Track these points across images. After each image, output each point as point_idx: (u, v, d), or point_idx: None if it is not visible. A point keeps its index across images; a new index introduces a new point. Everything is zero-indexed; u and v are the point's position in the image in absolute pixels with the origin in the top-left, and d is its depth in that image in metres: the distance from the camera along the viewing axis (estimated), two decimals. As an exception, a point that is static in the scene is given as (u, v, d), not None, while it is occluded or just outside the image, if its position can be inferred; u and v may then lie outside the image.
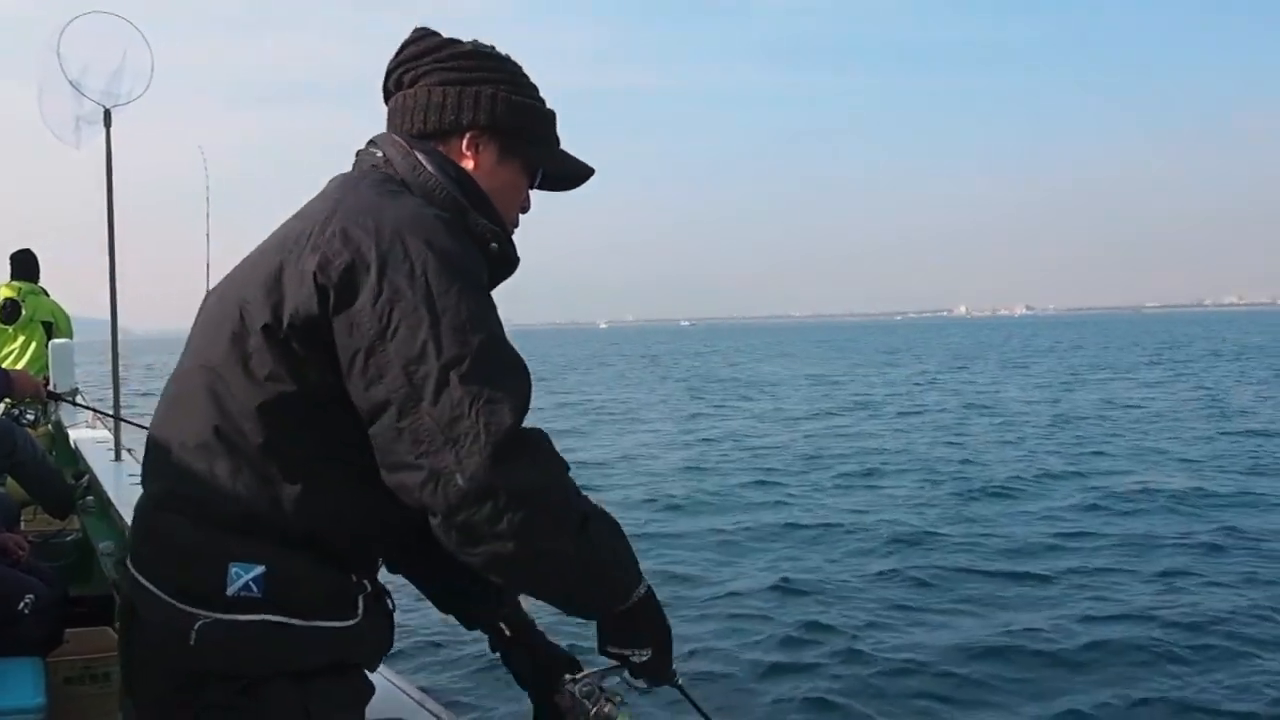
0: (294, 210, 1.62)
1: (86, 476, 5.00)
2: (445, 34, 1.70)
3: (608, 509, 1.51)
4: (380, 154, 1.63)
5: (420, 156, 1.61)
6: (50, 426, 6.64)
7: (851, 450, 17.27)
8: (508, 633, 1.88)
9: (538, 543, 1.39)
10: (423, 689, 2.08)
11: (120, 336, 5.50)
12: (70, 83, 4.56)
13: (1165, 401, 25.03)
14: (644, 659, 1.59)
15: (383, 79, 1.71)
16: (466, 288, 1.43)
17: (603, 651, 1.60)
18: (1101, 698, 5.99)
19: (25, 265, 7.28)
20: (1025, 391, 29.87)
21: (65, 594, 3.34)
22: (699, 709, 1.73)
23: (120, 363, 5.45)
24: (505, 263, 1.64)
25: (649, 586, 1.57)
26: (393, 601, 1.67)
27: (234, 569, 1.46)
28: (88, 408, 6.62)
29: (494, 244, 1.60)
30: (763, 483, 14.13)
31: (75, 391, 6.64)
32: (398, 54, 1.69)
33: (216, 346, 1.51)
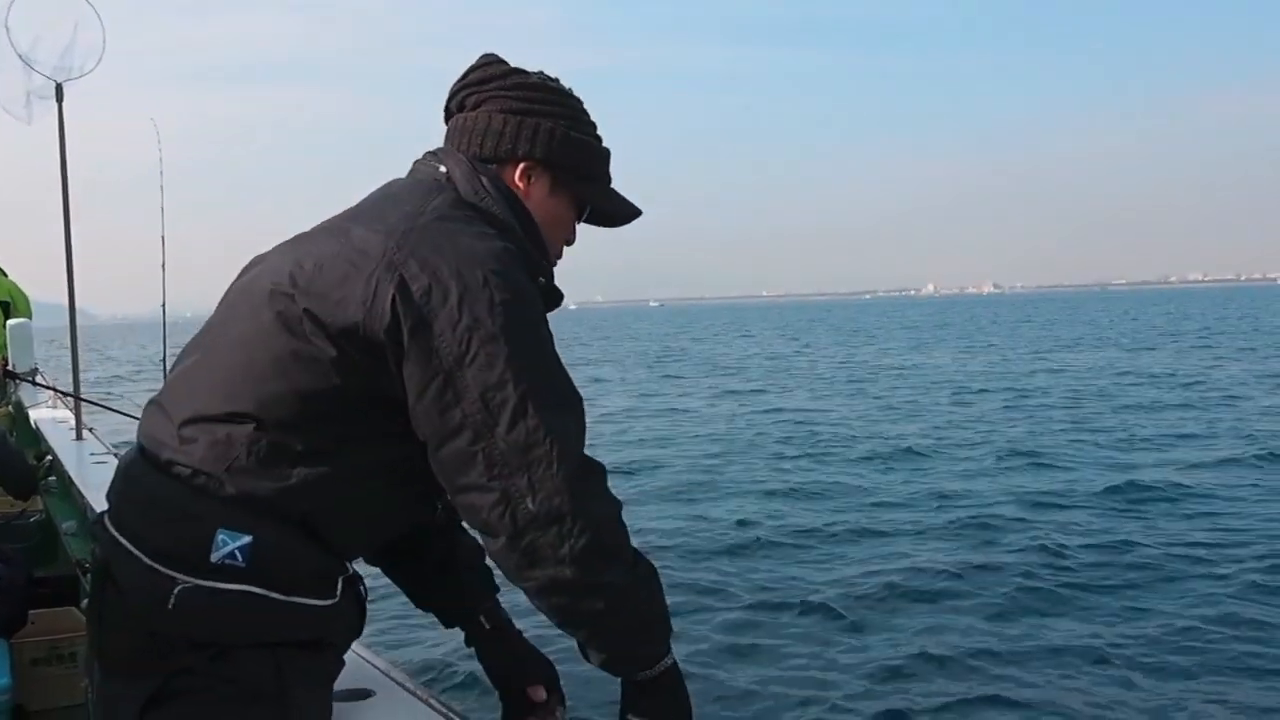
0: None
1: (49, 457, 4.97)
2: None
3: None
4: (444, 169, 1.64)
5: (485, 180, 1.63)
6: (10, 407, 6.58)
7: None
8: (487, 626, 1.91)
9: (596, 571, 1.46)
10: (390, 661, 2.07)
11: (82, 321, 5.43)
12: (20, 57, 4.49)
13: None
14: None
15: (445, 99, 1.73)
16: (539, 323, 1.51)
17: (623, 718, 1.64)
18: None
19: None
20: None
21: (30, 575, 3.32)
22: None
23: (80, 346, 5.40)
24: (550, 297, 1.67)
25: (674, 659, 1.62)
26: (365, 589, 1.68)
27: (221, 535, 1.45)
28: (48, 387, 6.56)
29: (542, 278, 1.63)
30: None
31: (35, 372, 6.56)
32: (463, 76, 1.71)
33: (259, 327, 1.51)
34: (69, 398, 5.26)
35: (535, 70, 1.74)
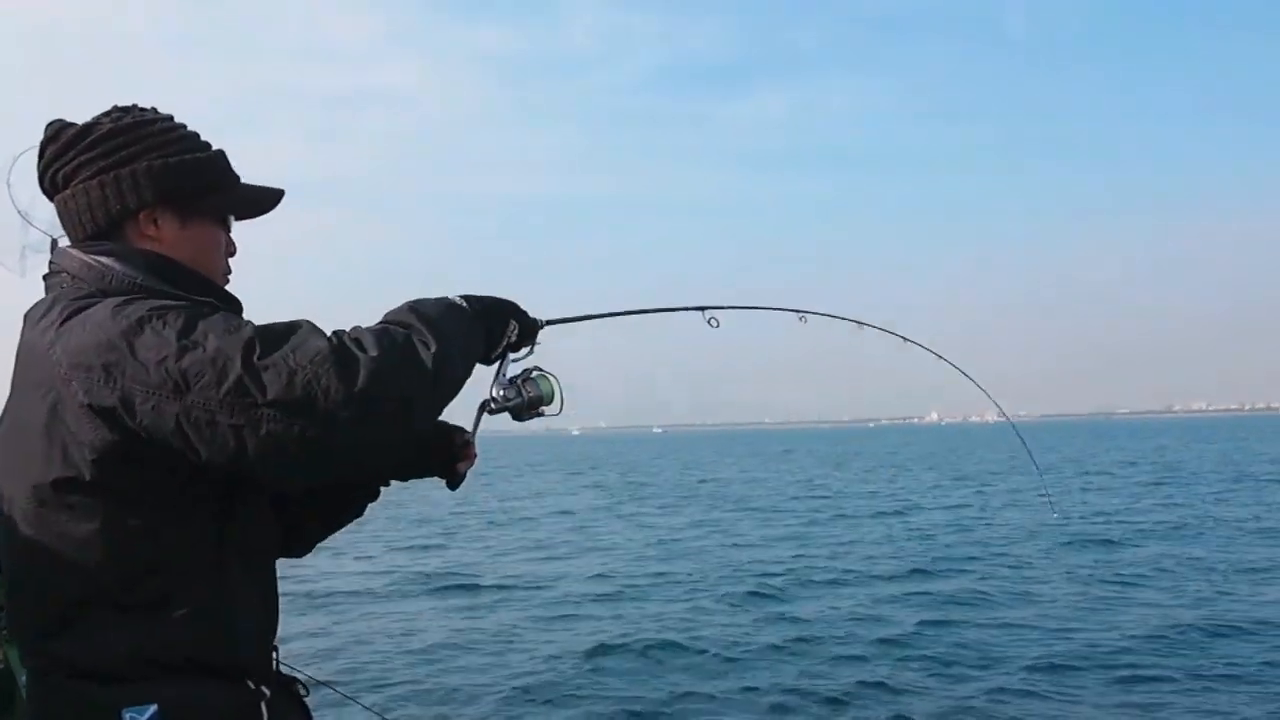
0: None
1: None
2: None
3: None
4: (66, 274, 1.62)
5: (102, 261, 1.59)
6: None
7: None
8: None
9: (429, 388, 1.53)
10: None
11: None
12: (19, 213, 4.32)
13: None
14: (514, 337, 1.78)
15: (37, 182, 1.69)
16: (197, 310, 1.49)
17: (490, 360, 1.80)
18: None
19: None
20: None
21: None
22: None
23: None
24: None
25: (448, 302, 1.65)
26: (305, 687, 1.70)
27: (128, 715, 1.46)
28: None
29: (210, 307, 1.57)
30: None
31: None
32: (40, 155, 1.66)
33: (31, 509, 1.52)
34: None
35: (106, 110, 1.67)
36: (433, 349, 1.50)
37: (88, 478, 1.48)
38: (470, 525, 25.22)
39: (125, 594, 1.50)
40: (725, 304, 2.13)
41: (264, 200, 1.77)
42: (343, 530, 1.95)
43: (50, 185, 1.68)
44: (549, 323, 1.88)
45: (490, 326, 1.73)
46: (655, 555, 18.52)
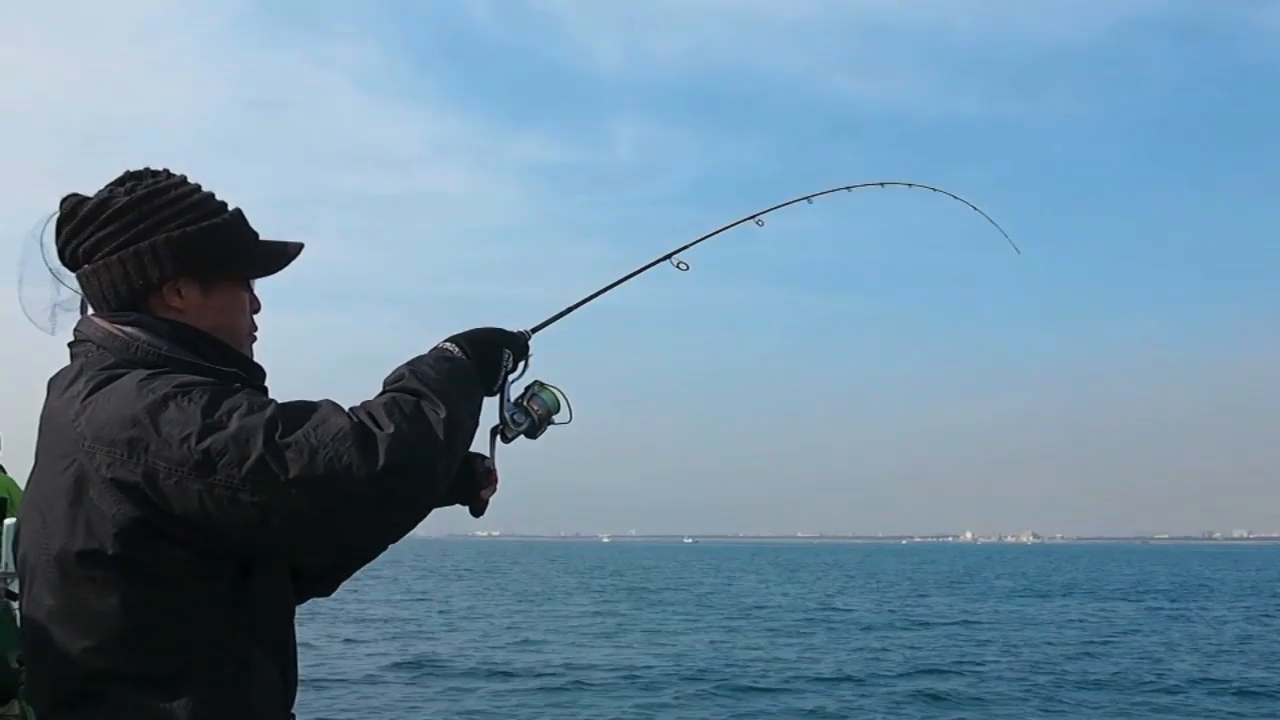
0: None
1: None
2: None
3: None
4: (91, 344, 1.63)
5: (127, 331, 1.60)
6: (-5, 605, 6.16)
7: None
8: None
9: (443, 454, 1.55)
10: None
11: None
12: (51, 271, 4.16)
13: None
14: (510, 364, 1.82)
15: (58, 256, 1.69)
16: (223, 389, 1.51)
17: (494, 392, 1.82)
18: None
19: None
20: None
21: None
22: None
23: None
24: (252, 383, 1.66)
25: (445, 355, 1.69)
26: None
27: None
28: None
29: (236, 384, 1.57)
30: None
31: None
32: (58, 232, 1.66)
33: (54, 579, 1.52)
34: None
35: (118, 178, 1.66)
36: (443, 414, 1.53)
37: (110, 551, 1.47)
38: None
39: (144, 668, 1.49)
40: (687, 243, 2.24)
41: (281, 258, 1.77)
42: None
43: (71, 261, 1.69)
44: (535, 330, 1.92)
45: (485, 363, 1.76)
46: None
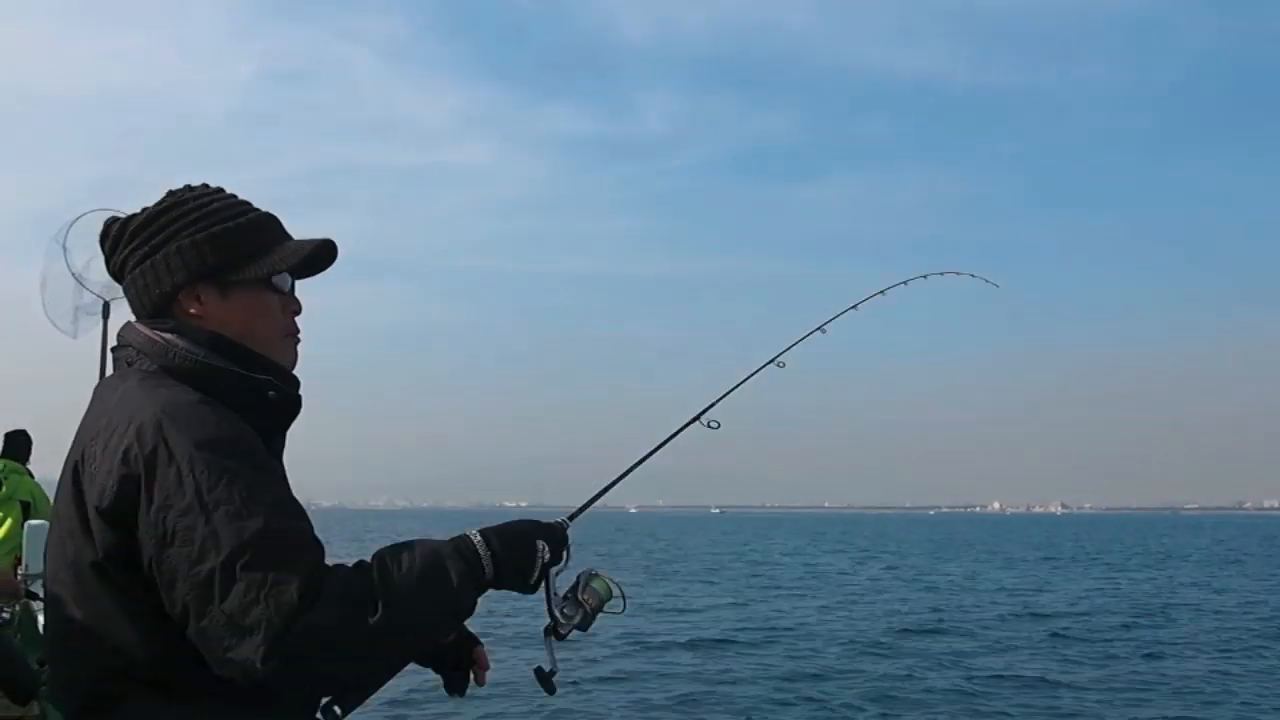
0: None
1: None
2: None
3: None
4: (132, 348, 1.67)
5: (165, 337, 1.64)
6: (18, 608, 6.50)
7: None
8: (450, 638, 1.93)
9: (355, 662, 1.47)
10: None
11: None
12: (74, 275, 4.68)
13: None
14: (547, 556, 1.69)
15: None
16: (236, 471, 1.47)
17: (533, 589, 1.71)
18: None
19: (16, 445, 7.28)
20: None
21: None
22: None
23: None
24: (288, 404, 1.67)
25: (441, 559, 1.55)
26: None
27: None
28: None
29: (271, 392, 1.62)
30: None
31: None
32: (104, 251, 1.74)
33: (71, 585, 1.56)
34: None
35: (160, 198, 1.72)
36: (378, 617, 1.45)
37: (122, 560, 1.51)
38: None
39: (164, 673, 1.50)
40: (710, 402, 2.27)
41: (312, 258, 1.75)
42: None
43: (116, 278, 1.76)
44: (571, 518, 1.88)
45: (516, 557, 1.65)
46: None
